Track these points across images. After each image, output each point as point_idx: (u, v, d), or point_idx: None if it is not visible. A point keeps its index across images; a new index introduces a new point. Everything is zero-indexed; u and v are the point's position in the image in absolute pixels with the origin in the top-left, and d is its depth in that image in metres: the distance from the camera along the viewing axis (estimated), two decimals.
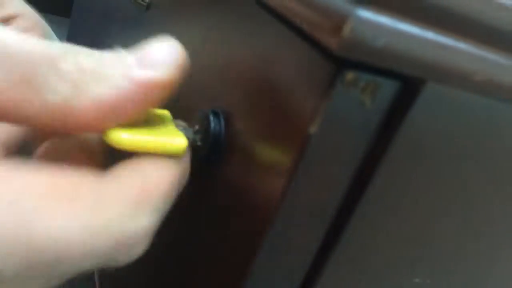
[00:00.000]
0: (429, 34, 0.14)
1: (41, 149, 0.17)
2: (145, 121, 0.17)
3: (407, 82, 0.15)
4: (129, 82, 0.14)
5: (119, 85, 0.14)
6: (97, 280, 0.39)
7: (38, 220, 0.12)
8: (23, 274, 0.13)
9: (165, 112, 0.19)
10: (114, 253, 0.14)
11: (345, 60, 0.14)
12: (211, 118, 0.20)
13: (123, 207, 0.14)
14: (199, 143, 0.19)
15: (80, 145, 0.18)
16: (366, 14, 0.13)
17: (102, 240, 0.14)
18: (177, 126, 0.18)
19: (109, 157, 0.18)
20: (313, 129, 0.14)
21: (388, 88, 0.15)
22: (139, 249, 0.15)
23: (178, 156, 0.16)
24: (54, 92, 0.14)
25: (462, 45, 0.14)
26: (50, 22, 0.47)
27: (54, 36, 0.45)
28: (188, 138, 0.17)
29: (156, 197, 0.15)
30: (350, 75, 0.14)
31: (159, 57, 0.15)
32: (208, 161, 0.20)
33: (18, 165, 0.13)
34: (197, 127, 0.20)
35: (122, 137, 0.15)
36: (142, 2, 0.33)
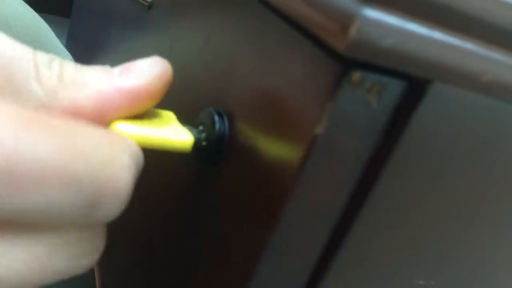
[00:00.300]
0: (437, 34, 0.13)
1: None
2: (152, 120, 0.17)
3: (413, 82, 0.15)
4: (110, 88, 0.15)
5: (99, 91, 0.15)
6: (97, 280, 0.39)
7: (14, 141, 0.12)
8: (7, 201, 0.12)
9: (170, 113, 0.19)
10: (96, 189, 0.13)
11: (351, 60, 0.14)
12: (216, 118, 0.20)
13: (98, 139, 0.14)
14: (204, 143, 0.19)
15: None
16: (373, 14, 0.13)
17: (81, 165, 0.13)
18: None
19: None
20: (319, 129, 0.14)
21: (394, 88, 0.15)
22: (122, 193, 0.14)
23: (185, 152, 0.17)
24: (32, 96, 0.14)
25: (470, 46, 0.14)
26: (49, 22, 0.47)
27: (53, 37, 0.45)
28: (193, 137, 0.18)
29: (130, 145, 0.15)
30: (356, 76, 0.14)
31: (141, 68, 0.16)
32: (212, 162, 0.20)
33: None
34: (201, 127, 0.20)
35: (128, 133, 0.15)
36: (143, 2, 0.33)
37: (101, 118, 0.15)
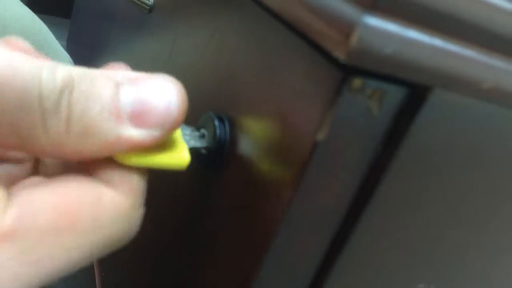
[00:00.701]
0: (437, 42, 0.14)
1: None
2: None
3: (414, 89, 0.15)
4: (117, 140, 0.14)
5: (106, 144, 0.14)
6: (97, 281, 0.39)
7: (41, 249, 0.13)
8: None
9: None
10: (112, 248, 0.16)
11: (352, 67, 0.14)
12: (217, 123, 0.20)
13: (119, 218, 0.15)
14: (203, 151, 0.19)
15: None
16: (374, 22, 0.13)
17: (106, 247, 0.15)
18: (183, 130, 0.18)
19: None
20: (320, 136, 0.14)
21: (395, 95, 0.15)
22: (132, 237, 0.16)
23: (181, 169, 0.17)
24: (37, 141, 0.14)
25: (470, 53, 0.14)
26: (50, 23, 0.47)
27: (52, 38, 0.45)
28: (194, 147, 0.17)
29: (142, 194, 0.16)
30: (357, 82, 0.14)
31: (156, 114, 0.15)
32: (213, 166, 0.20)
33: (14, 195, 0.14)
34: (202, 130, 0.20)
35: (129, 163, 0.15)
36: (144, 5, 0.33)
37: (101, 158, 0.15)
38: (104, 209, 0.15)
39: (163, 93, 0.15)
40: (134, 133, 0.14)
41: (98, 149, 0.14)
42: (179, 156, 0.16)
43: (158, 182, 0.28)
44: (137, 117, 0.15)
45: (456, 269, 0.22)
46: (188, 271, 0.23)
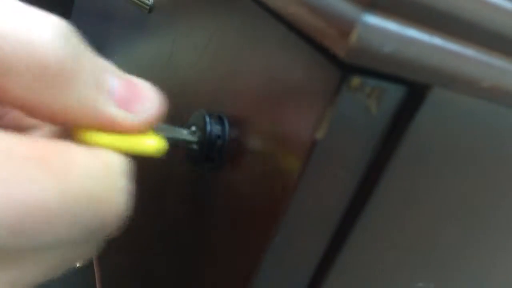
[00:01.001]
0: (437, 40, 0.14)
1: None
2: None
3: (413, 88, 0.15)
4: (98, 115, 0.14)
5: (85, 113, 0.14)
6: (97, 281, 0.39)
7: (16, 184, 0.12)
8: (9, 244, 0.12)
9: None
10: (99, 220, 0.14)
11: (351, 65, 0.14)
12: (207, 119, 0.20)
13: (96, 170, 0.14)
14: (194, 146, 0.19)
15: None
16: (373, 20, 0.13)
17: (84, 203, 0.13)
18: (171, 128, 0.18)
19: None
20: (319, 134, 0.14)
21: (394, 93, 0.15)
22: (119, 214, 0.15)
23: (154, 156, 0.17)
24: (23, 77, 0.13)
25: (470, 52, 0.14)
26: None
27: None
28: (178, 139, 0.17)
29: (122, 163, 0.15)
30: (356, 80, 0.14)
31: (141, 100, 0.15)
32: (212, 165, 0.20)
33: None
34: (193, 128, 0.20)
35: (100, 143, 0.15)
36: (144, 5, 0.33)
37: (78, 128, 0.15)
38: (76, 161, 0.13)
39: (147, 87, 0.16)
40: (116, 112, 0.15)
41: (75, 114, 0.14)
42: (149, 139, 0.16)
43: (158, 183, 0.28)
44: (121, 100, 0.15)
45: (455, 268, 0.22)
46: (188, 271, 0.23)
